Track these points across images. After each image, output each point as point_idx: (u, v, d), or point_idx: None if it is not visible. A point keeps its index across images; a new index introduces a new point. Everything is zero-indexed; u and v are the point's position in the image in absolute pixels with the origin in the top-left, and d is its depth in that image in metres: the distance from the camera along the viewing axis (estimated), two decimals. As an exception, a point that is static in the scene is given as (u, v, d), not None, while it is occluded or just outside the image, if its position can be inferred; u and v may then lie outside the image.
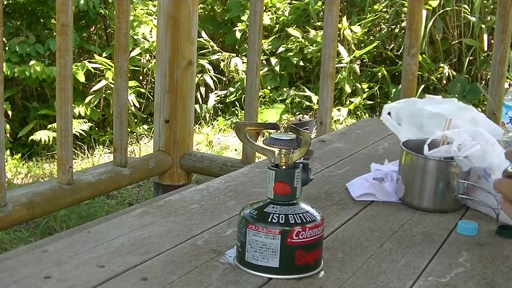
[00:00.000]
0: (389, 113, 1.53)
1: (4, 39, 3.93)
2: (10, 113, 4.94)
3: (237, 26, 5.70)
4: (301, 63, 5.49)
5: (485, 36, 4.99)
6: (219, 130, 5.22)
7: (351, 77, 5.31)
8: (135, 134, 5.10)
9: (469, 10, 5.14)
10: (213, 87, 5.53)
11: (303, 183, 0.99)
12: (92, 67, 5.07)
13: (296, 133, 0.97)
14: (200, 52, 5.37)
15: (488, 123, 1.45)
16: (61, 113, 2.32)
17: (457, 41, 5.21)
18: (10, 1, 5.54)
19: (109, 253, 1.02)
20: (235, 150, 4.77)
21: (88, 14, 5.43)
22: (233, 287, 0.93)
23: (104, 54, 5.33)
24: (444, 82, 5.23)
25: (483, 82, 5.13)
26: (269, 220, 0.95)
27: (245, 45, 5.20)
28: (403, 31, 5.10)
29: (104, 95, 5.09)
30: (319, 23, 5.49)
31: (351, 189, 1.37)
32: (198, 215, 1.21)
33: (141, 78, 5.58)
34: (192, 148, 3.10)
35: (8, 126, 4.81)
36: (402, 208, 1.30)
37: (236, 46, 5.88)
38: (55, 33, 2.75)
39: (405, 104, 1.53)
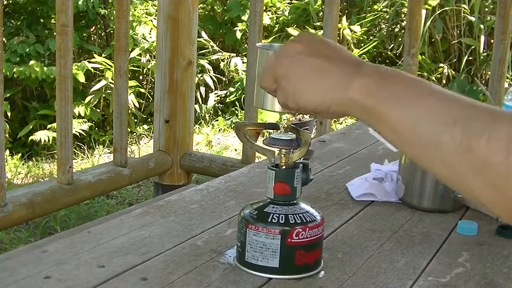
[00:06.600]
0: None
1: (4, 39, 3.93)
2: (9, 113, 4.94)
3: (237, 26, 5.71)
4: (301, 63, 5.48)
5: (482, 38, 4.99)
6: (219, 130, 5.22)
7: (351, 77, 5.30)
8: (135, 134, 5.10)
9: (469, 10, 5.14)
10: (213, 87, 5.53)
11: (303, 183, 0.99)
12: (92, 67, 5.07)
13: (296, 133, 0.97)
14: (200, 52, 5.37)
15: None
16: (61, 113, 2.32)
17: (457, 41, 5.21)
18: (10, 1, 5.54)
19: (109, 253, 1.02)
20: (235, 150, 4.77)
21: (87, 14, 5.43)
22: (233, 287, 0.93)
23: (104, 54, 5.33)
24: (444, 82, 5.23)
25: (483, 82, 5.13)
26: (269, 220, 0.95)
27: (245, 45, 5.20)
28: (403, 30, 5.10)
29: (104, 95, 5.09)
30: (319, 23, 5.49)
31: (351, 189, 1.37)
32: (198, 215, 1.21)
33: (141, 78, 5.58)
34: (192, 148, 3.10)
35: (7, 126, 4.80)
36: (402, 208, 1.30)
37: (236, 46, 5.89)
38: (55, 33, 2.75)
39: None
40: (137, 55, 5.28)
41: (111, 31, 5.42)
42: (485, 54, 5.08)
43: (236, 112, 5.39)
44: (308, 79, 0.75)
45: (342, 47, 0.78)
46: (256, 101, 0.94)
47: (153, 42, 5.17)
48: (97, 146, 4.91)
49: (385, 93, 0.69)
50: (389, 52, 5.42)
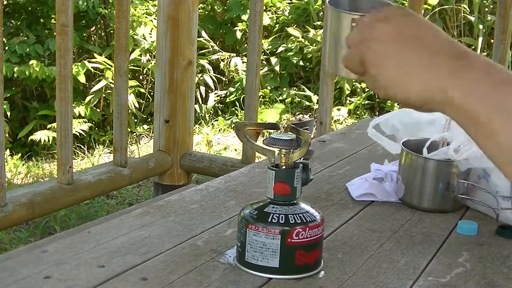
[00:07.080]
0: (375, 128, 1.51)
1: (4, 39, 3.93)
2: (9, 113, 4.93)
3: (237, 26, 5.71)
4: (301, 63, 5.49)
5: (480, 39, 4.99)
6: (219, 130, 5.22)
7: (351, 77, 5.30)
8: (135, 134, 5.10)
9: (469, 10, 5.14)
10: (213, 87, 5.53)
11: (303, 183, 0.99)
12: (92, 67, 5.07)
13: (296, 133, 0.97)
14: (200, 52, 5.37)
15: None
16: (61, 113, 2.32)
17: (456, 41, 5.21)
18: (10, 1, 5.54)
19: (109, 253, 1.02)
20: (235, 150, 4.77)
21: (88, 14, 5.43)
22: (233, 287, 0.93)
23: (104, 54, 5.33)
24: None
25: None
26: (269, 220, 0.95)
27: (245, 45, 5.20)
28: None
29: (104, 95, 5.09)
30: (319, 23, 5.49)
31: (351, 189, 1.37)
32: (198, 215, 1.21)
33: (141, 78, 5.58)
34: (192, 148, 3.10)
35: (7, 126, 4.80)
36: (402, 208, 1.30)
37: (236, 46, 5.89)
38: (55, 33, 2.75)
39: (397, 115, 1.52)
40: (137, 56, 5.28)
41: (111, 31, 5.42)
42: (485, 54, 5.07)
43: (236, 112, 5.39)
44: (403, 73, 0.67)
45: (440, 30, 0.69)
46: (329, 66, 0.87)
47: (153, 42, 5.17)
48: (97, 146, 4.91)
49: (495, 103, 0.61)
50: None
